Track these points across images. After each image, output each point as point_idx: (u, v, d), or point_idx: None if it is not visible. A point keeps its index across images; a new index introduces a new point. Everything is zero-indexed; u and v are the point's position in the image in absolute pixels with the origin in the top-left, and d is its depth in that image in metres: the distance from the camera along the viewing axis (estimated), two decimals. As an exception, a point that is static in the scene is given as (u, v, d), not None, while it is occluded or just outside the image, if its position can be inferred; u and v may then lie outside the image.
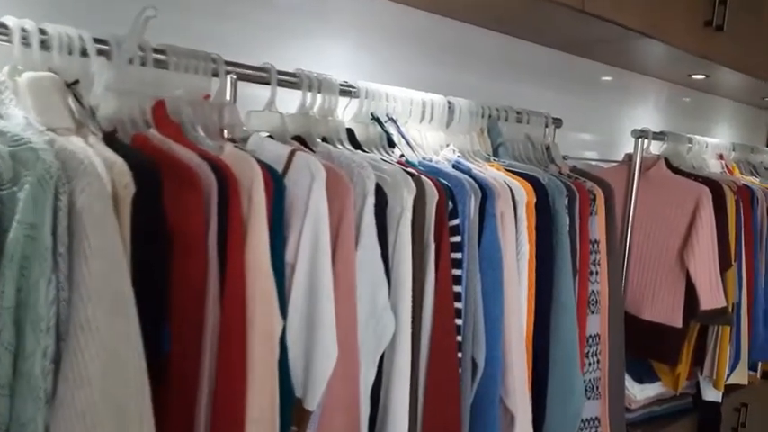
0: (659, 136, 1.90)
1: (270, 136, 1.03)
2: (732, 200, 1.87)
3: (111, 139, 0.80)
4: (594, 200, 1.41)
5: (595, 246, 1.41)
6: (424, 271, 1.05)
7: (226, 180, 0.80)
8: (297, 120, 1.06)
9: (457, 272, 1.10)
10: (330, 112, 1.10)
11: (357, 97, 1.14)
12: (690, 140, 2.02)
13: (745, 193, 1.95)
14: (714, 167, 2.16)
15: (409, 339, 1.01)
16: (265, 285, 0.82)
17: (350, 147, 1.10)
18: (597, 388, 1.43)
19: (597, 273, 1.41)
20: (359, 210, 0.94)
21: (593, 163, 2.16)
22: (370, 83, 1.17)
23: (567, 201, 1.32)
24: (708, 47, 1.84)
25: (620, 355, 1.49)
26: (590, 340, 1.41)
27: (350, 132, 1.13)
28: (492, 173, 1.25)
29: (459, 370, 1.10)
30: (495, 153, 1.42)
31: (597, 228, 1.42)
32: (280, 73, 1.04)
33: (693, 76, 2.19)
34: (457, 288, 1.10)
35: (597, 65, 2.12)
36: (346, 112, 1.17)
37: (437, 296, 1.06)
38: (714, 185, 1.82)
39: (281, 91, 1.06)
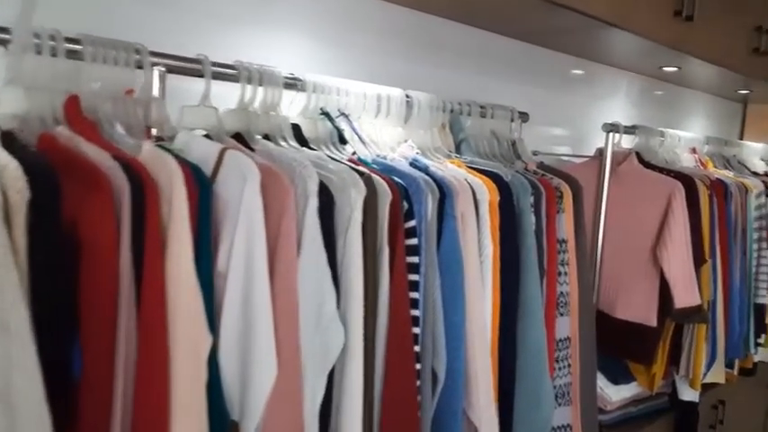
0: (630, 130, 1.83)
1: (207, 135, 0.94)
2: (705, 194, 1.80)
3: (9, 140, 0.70)
4: (561, 197, 1.33)
5: (563, 245, 1.34)
6: (377, 277, 0.96)
7: (141, 183, 0.71)
8: (235, 115, 0.97)
9: (413, 277, 1.02)
10: (273, 107, 1.01)
11: (304, 91, 1.05)
12: (662, 134, 1.96)
13: (719, 188, 1.89)
14: (687, 161, 2.10)
15: (361, 352, 0.92)
16: (189, 298, 0.73)
17: (295, 144, 1.02)
18: (568, 394, 1.35)
19: (566, 273, 1.34)
20: (301, 213, 0.86)
21: (565, 158, 2.09)
22: (319, 75, 1.08)
23: (532, 199, 1.25)
24: (678, 37, 1.78)
25: (591, 358, 1.42)
26: (560, 344, 1.33)
27: (296, 128, 1.04)
28: (452, 170, 1.17)
29: (418, 382, 1.01)
30: (458, 149, 1.34)
31: (565, 226, 1.34)
32: (215, 65, 0.94)
33: (665, 69, 2.13)
34: (414, 294, 1.01)
35: (567, 57, 2.05)
36: (294, 108, 1.08)
37: (392, 304, 0.97)
38: (687, 180, 1.76)
39: (223, 85, 0.97)
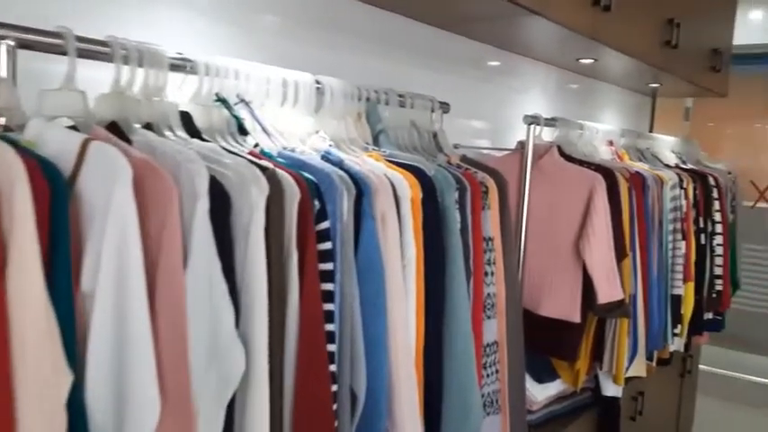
0: (551, 122, 1.78)
1: (74, 126, 0.78)
2: (625, 187, 1.78)
3: None
4: (487, 192, 1.25)
5: (490, 243, 1.25)
6: (286, 288, 0.83)
7: (-33, 182, 0.54)
8: (109, 101, 0.81)
9: (328, 286, 0.89)
10: (157, 92, 0.85)
11: (195, 73, 0.90)
12: (581, 126, 1.93)
13: (638, 180, 1.87)
14: (604, 154, 2.09)
15: (266, 376, 0.79)
16: (39, 326, 0.58)
17: (184, 134, 0.86)
18: (497, 401, 1.27)
19: (493, 273, 1.25)
20: (188, 216, 0.71)
21: (485, 151, 2.03)
22: (213, 56, 0.93)
23: (457, 195, 1.15)
24: (595, 27, 1.74)
25: (519, 361, 1.34)
26: (487, 349, 1.24)
27: (185, 117, 0.89)
28: (370, 164, 1.05)
29: (335, 406, 0.89)
30: (376, 141, 1.22)
31: (491, 223, 1.26)
32: (81, 40, 0.78)
33: (582, 60, 2.10)
34: (328, 306, 0.89)
35: (486, 47, 1.98)
36: (185, 93, 0.93)
37: (302, 318, 0.84)
38: (607, 173, 1.72)
39: (98, 68, 0.81)
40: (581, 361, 1.76)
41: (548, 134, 1.85)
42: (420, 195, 1.05)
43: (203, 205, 0.71)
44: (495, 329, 1.25)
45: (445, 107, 1.41)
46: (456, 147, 1.86)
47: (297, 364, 0.83)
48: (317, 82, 1.10)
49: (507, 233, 1.31)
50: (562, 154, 1.79)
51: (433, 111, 1.36)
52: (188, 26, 1.17)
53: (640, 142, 2.40)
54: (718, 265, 2.46)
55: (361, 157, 1.08)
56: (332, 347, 0.88)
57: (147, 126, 0.83)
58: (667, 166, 2.38)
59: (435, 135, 1.36)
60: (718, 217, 2.46)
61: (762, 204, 3.51)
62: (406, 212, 1.03)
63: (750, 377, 3.32)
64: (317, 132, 1.07)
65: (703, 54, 2.48)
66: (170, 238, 0.68)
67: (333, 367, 0.88)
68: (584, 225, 1.68)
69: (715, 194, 2.45)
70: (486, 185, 1.24)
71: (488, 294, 1.24)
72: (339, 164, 0.99)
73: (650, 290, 1.91)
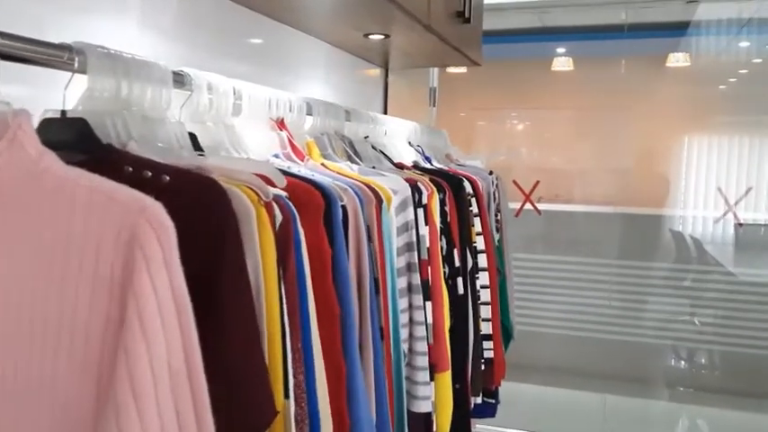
0: (37, 55, 0.58)
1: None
2: (266, 224, 0.66)
3: None
4: None
5: None
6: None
7: None
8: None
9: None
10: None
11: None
12: (184, 80, 0.76)
13: (312, 201, 0.77)
14: (264, 146, 0.96)
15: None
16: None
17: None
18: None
19: None
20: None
21: None
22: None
23: None
24: None
25: None
26: None
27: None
28: None
29: None
30: None
31: None
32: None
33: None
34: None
35: None
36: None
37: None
38: (211, 194, 0.58)
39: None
40: None
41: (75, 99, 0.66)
42: None
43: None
44: None
45: None
46: None
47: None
48: None
49: None
50: (94, 146, 0.61)
51: None
52: None
53: (356, 127, 1.33)
54: (486, 319, 1.51)
55: None
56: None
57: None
58: (399, 166, 1.35)
59: None
60: (480, 243, 1.50)
61: (528, 207, 2.76)
62: None
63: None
64: None
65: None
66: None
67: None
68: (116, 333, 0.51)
69: (475, 209, 1.48)
70: None
71: None
72: None
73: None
